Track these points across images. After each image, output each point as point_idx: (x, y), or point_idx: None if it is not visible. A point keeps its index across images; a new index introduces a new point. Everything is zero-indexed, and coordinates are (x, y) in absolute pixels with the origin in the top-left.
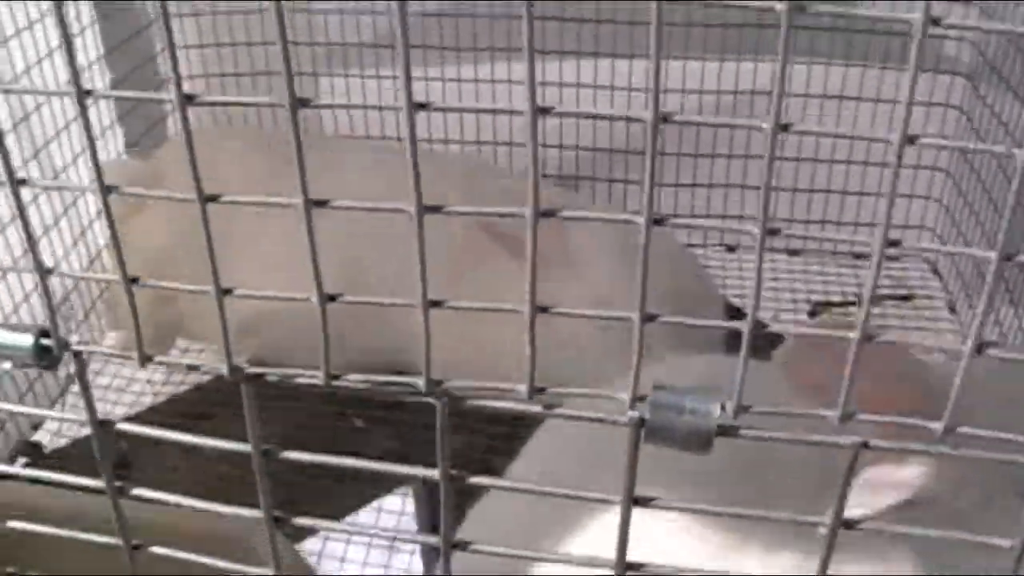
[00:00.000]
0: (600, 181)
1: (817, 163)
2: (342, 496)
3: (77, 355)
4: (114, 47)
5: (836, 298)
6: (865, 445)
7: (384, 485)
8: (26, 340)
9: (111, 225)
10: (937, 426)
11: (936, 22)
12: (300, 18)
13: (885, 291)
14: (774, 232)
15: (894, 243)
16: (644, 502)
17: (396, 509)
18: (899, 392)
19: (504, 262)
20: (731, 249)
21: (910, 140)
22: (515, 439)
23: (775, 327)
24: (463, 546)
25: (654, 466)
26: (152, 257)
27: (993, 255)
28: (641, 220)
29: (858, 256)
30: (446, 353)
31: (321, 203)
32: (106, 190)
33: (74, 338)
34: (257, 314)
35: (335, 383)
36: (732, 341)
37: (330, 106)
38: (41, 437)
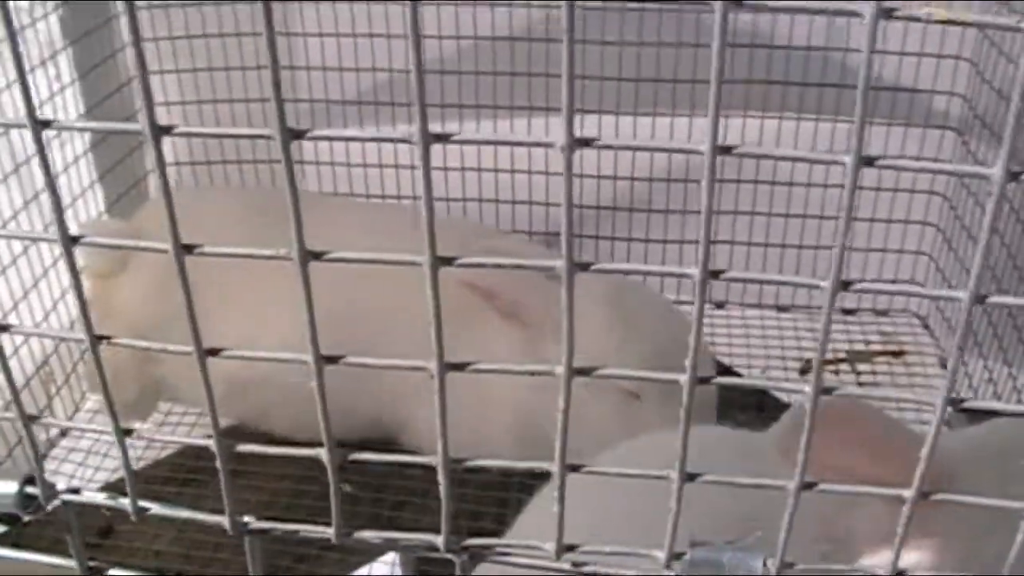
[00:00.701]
0: (587, 238)
1: (806, 218)
2: (328, 563)
3: (67, 504)
4: (94, 105)
5: (827, 355)
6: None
7: (372, 553)
8: (10, 488)
9: (74, 277)
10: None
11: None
12: (285, 74)
13: (876, 347)
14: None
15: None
16: None
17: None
18: (891, 467)
19: (495, 323)
20: (719, 305)
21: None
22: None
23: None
24: None
25: None
26: (136, 318)
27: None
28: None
29: (848, 312)
30: (436, 418)
31: (317, 255)
32: (69, 240)
33: (56, 481)
34: (244, 376)
35: (346, 538)
36: (724, 405)
37: (327, 138)
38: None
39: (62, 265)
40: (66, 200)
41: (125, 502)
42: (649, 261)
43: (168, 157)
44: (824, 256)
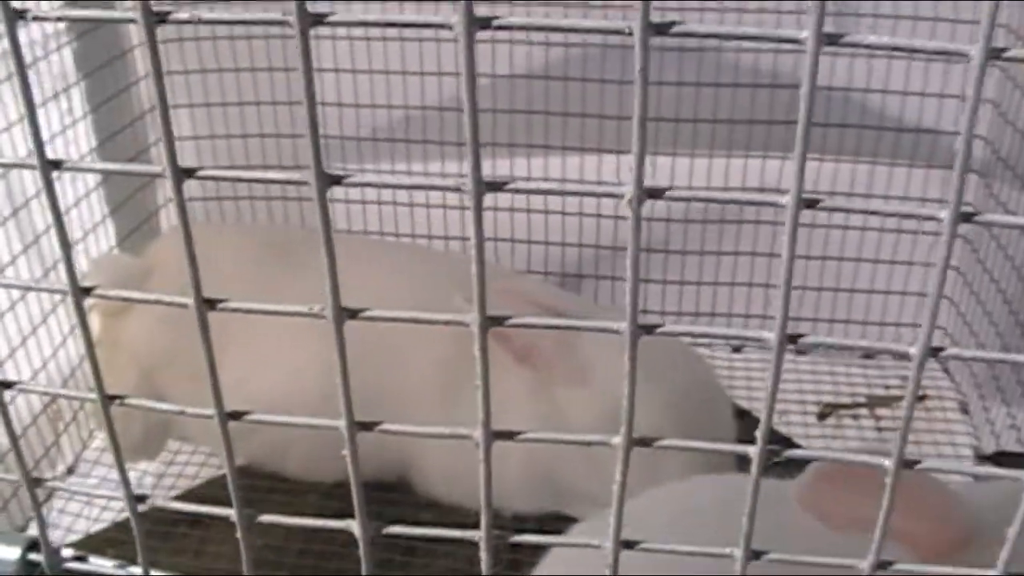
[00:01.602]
0: (604, 279)
1: (825, 260)
2: None
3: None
4: (106, 139)
5: (846, 399)
6: None
7: None
8: (12, 553)
9: (85, 333)
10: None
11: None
12: (299, 109)
13: (896, 392)
14: (793, 339)
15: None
16: None
17: None
18: (940, 530)
19: (508, 366)
20: (736, 350)
21: None
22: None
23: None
24: None
25: None
26: (145, 356)
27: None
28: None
29: (868, 356)
30: (445, 460)
31: (354, 313)
32: (81, 292)
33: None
34: (264, 400)
35: None
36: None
37: (368, 184)
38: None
39: (67, 305)
40: (76, 234)
41: (136, 572)
42: (666, 302)
43: (196, 192)
44: (843, 299)
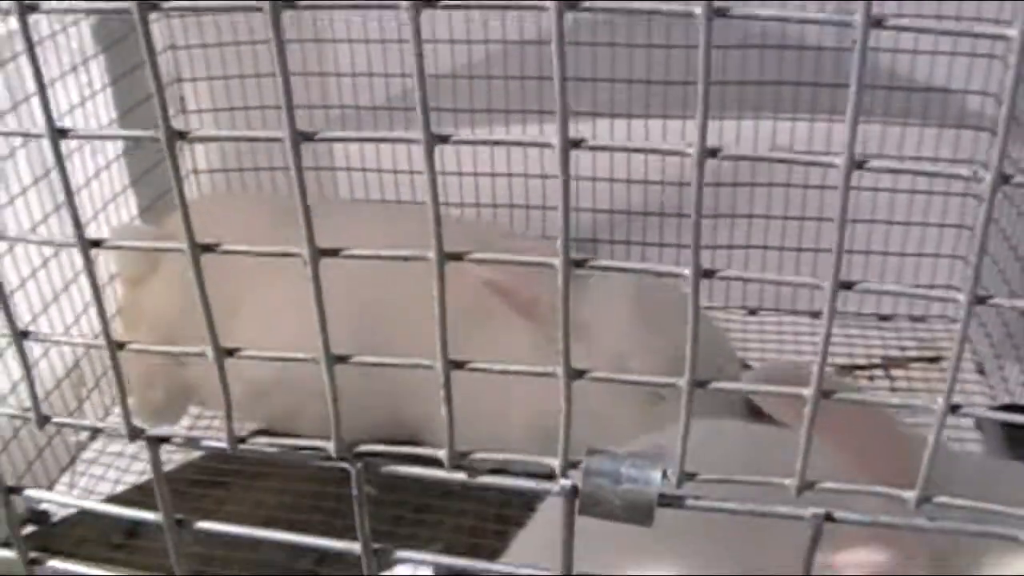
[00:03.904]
0: (618, 244)
1: (856, 223)
2: (348, 564)
3: None
4: (126, 111)
5: (861, 361)
6: (829, 518)
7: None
8: None
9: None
10: (910, 495)
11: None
12: (314, 81)
13: (911, 353)
14: (847, 286)
15: (847, 285)
16: None
17: None
18: (888, 466)
19: (513, 321)
20: (752, 312)
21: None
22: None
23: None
24: None
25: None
26: (164, 322)
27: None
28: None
29: (883, 318)
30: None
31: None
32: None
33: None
34: (267, 379)
35: (241, 446)
36: (754, 405)
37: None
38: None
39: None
40: (98, 205)
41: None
42: (680, 264)
43: (202, 164)
44: (859, 260)
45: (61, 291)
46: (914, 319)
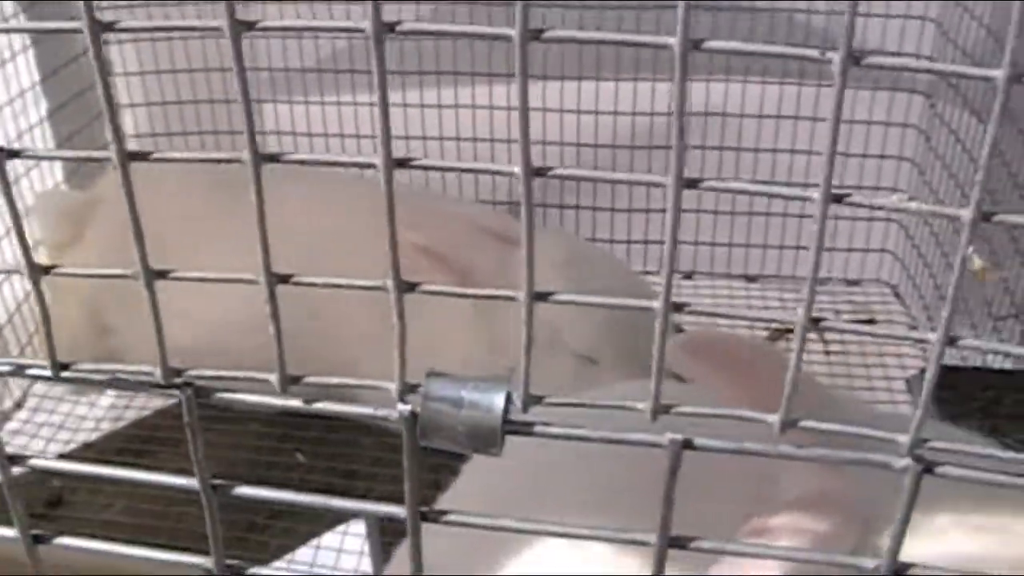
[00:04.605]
0: (552, 207)
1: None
2: (277, 534)
3: None
4: (49, 74)
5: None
6: (688, 445)
7: (322, 522)
8: None
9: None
10: (773, 418)
11: None
12: (243, 43)
13: (846, 316)
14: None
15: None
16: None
17: (335, 546)
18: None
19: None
20: (687, 276)
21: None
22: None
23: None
24: None
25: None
26: (90, 291)
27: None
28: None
29: (820, 282)
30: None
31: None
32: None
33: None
34: (197, 347)
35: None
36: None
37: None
38: None
39: (10, 240)
40: (20, 170)
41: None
42: (615, 230)
43: (129, 129)
44: (792, 224)
45: None
46: (849, 283)
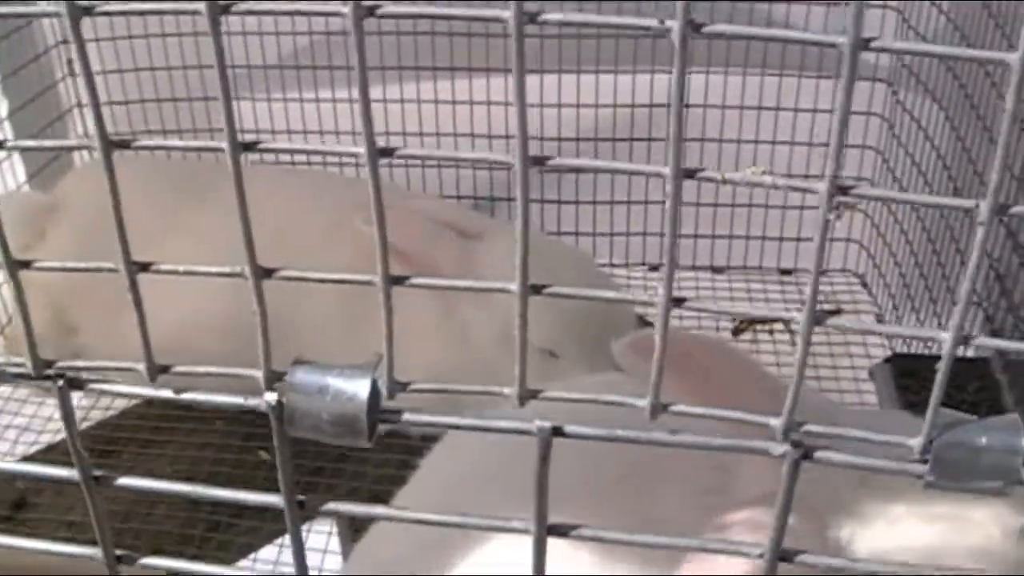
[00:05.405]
0: (531, 201)
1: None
2: (242, 533)
3: None
4: (9, 74)
5: (763, 315)
6: (557, 432)
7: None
8: None
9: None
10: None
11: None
12: (208, 41)
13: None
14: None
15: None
16: None
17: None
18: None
19: (416, 293)
20: (653, 268)
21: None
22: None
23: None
24: None
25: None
26: (56, 291)
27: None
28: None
29: (785, 272)
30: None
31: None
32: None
33: None
34: (163, 348)
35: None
36: None
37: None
38: None
39: None
40: None
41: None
42: (580, 223)
43: (92, 128)
44: (757, 215)
45: None
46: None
